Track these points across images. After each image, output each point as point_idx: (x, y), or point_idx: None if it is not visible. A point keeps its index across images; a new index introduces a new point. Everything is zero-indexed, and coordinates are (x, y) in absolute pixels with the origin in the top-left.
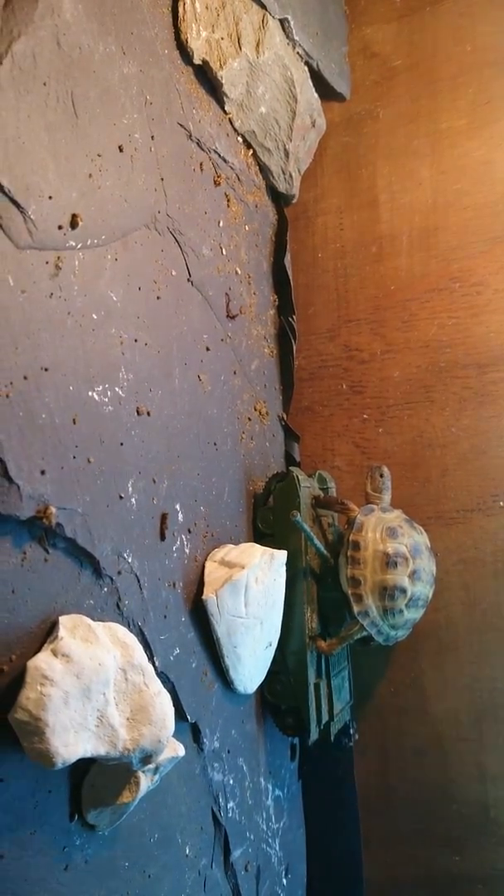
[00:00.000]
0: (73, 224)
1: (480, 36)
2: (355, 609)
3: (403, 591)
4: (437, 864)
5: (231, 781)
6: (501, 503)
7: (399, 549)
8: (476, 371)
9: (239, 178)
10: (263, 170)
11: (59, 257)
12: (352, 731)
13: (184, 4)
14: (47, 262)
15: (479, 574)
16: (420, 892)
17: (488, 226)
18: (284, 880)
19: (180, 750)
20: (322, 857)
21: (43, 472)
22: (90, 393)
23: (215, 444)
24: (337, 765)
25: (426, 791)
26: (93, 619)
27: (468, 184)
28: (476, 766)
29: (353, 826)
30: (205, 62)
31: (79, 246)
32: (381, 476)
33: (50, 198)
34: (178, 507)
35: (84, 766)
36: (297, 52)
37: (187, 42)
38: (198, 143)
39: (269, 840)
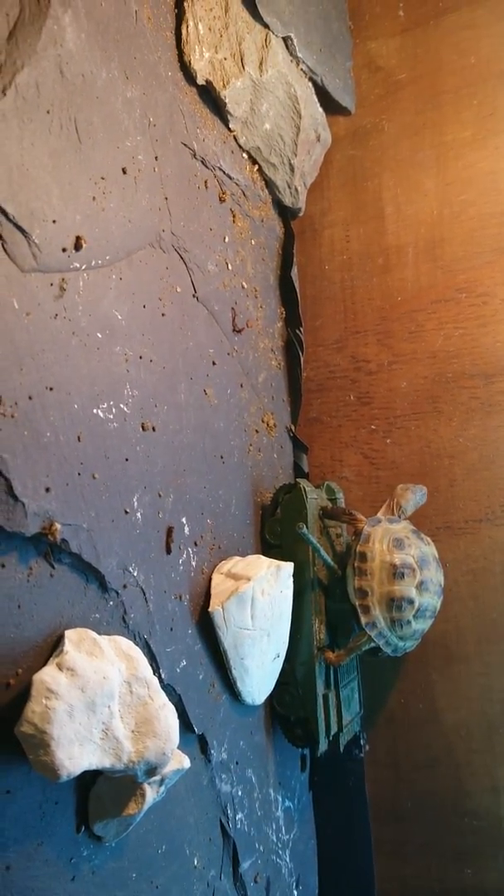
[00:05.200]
0: (77, 246)
1: (484, 48)
2: (363, 620)
3: (411, 601)
4: (449, 876)
5: (239, 793)
6: None
7: (406, 559)
8: (483, 381)
9: (244, 194)
10: (269, 184)
11: (63, 279)
12: (362, 742)
13: (187, 27)
14: (52, 284)
15: (488, 584)
16: None
17: (494, 236)
18: (295, 892)
19: (185, 762)
20: (333, 869)
21: (48, 490)
22: (95, 410)
23: (222, 456)
24: (348, 775)
25: (438, 802)
26: (99, 633)
27: (473, 195)
28: (488, 778)
29: (364, 837)
30: (208, 82)
31: (83, 267)
32: (411, 493)
33: (54, 222)
34: (184, 520)
35: (90, 778)
36: (301, 69)
37: (190, 63)
38: (202, 162)
39: (280, 851)
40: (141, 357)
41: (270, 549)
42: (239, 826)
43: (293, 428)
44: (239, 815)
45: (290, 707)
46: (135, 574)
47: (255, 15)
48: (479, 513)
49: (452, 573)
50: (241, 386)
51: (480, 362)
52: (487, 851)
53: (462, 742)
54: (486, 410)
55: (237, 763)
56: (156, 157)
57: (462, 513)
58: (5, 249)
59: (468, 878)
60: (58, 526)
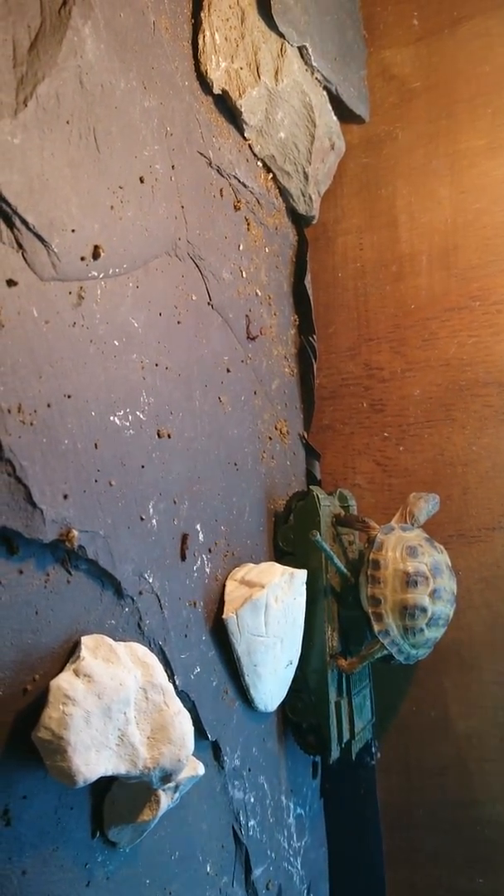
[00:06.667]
0: (96, 255)
1: (499, 57)
2: (375, 628)
3: (424, 610)
4: (460, 885)
5: (252, 799)
6: None
7: (419, 567)
8: (497, 389)
9: (259, 202)
10: (283, 193)
11: (81, 287)
12: (374, 750)
13: (204, 37)
14: (70, 293)
15: (501, 593)
16: None
17: None
18: None
19: (200, 769)
20: (345, 876)
21: (65, 497)
22: (112, 418)
23: (236, 464)
24: (359, 783)
25: (449, 811)
26: (114, 639)
27: (488, 203)
28: (500, 787)
29: (375, 845)
30: (224, 91)
31: (101, 275)
32: (424, 502)
33: (73, 231)
34: (198, 527)
35: (105, 784)
36: (316, 78)
37: (207, 73)
38: (218, 170)
39: (291, 858)
40: (157, 364)
41: (283, 556)
42: (251, 833)
43: (306, 435)
44: (251, 822)
45: (302, 714)
46: (150, 581)
47: (271, 25)
48: (492, 521)
49: (465, 581)
50: (255, 393)
51: (494, 371)
52: (499, 860)
53: (474, 750)
54: (499, 419)
55: (250, 770)
56: (172, 166)
57: (475, 521)
58: (25, 259)
59: (480, 887)
60: (75, 533)
